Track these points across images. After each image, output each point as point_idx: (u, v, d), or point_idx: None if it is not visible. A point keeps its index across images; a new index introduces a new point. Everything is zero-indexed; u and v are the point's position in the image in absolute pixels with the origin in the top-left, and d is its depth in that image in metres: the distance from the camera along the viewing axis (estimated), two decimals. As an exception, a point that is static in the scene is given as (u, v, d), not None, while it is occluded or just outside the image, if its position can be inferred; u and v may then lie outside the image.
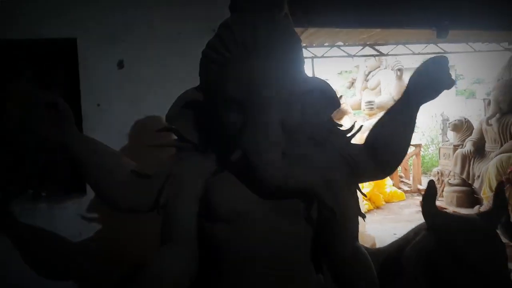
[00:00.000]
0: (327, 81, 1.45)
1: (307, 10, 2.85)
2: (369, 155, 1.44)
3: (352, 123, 1.56)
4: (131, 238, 2.13)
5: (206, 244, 1.36)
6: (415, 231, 1.73)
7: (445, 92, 1.41)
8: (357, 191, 1.48)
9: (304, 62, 1.39)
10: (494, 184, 4.98)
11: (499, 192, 1.69)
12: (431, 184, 1.62)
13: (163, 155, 1.54)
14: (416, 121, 1.46)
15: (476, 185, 5.86)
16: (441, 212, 1.69)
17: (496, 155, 5.41)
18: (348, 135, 1.49)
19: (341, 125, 1.50)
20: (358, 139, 1.52)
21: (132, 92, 2.23)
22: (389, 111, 1.48)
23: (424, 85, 1.37)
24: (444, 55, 1.40)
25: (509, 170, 4.74)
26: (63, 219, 2.19)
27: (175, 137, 1.46)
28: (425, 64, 1.38)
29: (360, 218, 1.47)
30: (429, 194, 1.61)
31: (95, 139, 1.42)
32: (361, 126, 1.55)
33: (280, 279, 1.32)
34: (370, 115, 7.63)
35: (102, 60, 2.20)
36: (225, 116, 1.28)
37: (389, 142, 1.43)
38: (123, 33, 2.22)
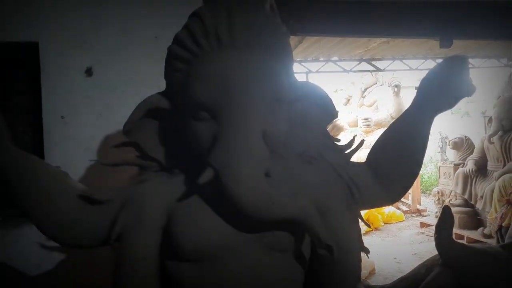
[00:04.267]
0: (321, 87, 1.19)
1: (300, 17, 2.65)
2: (373, 176, 1.19)
3: (352, 138, 1.31)
4: (98, 270, 1.85)
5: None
6: (427, 267, 1.48)
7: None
8: (359, 220, 1.22)
9: (293, 61, 1.14)
10: (498, 206, 4.81)
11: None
12: (446, 211, 1.37)
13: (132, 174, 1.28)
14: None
15: (479, 206, 5.69)
16: (458, 245, 1.43)
17: (500, 174, 5.23)
18: (347, 151, 1.23)
19: (338, 140, 1.25)
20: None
21: (101, 103, 2.00)
22: (396, 123, 1.23)
23: (439, 91, 1.13)
24: (464, 55, 1.15)
25: (510, 191, 4.64)
26: (20, 248, 1.96)
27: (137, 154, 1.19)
28: (440, 66, 1.14)
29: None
30: (445, 223, 1.36)
31: (34, 156, 1.16)
32: (362, 141, 1.29)
33: None
34: (367, 132, 7.48)
35: (67, 66, 1.98)
36: (194, 127, 1.02)
37: (397, 162, 1.18)
38: (92, 37, 2.00)
